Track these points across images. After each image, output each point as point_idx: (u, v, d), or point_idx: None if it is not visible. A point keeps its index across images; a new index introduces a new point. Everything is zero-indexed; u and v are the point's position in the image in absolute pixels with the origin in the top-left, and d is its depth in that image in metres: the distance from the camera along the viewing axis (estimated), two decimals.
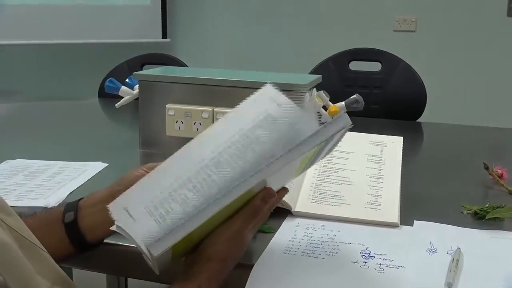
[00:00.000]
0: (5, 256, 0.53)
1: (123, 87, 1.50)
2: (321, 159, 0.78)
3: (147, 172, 0.70)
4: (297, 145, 0.64)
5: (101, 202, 0.72)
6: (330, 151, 0.76)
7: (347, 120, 0.66)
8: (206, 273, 0.65)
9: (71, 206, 0.76)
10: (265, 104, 0.69)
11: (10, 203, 0.67)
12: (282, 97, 0.70)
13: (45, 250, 0.67)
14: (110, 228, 0.65)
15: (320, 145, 0.66)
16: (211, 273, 0.65)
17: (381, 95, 1.90)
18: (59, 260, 0.71)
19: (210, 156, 0.66)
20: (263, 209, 0.67)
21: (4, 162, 1.13)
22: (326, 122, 0.66)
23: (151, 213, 0.64)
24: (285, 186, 0.74)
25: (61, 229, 0.74)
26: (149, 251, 0.59)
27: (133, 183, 0.68)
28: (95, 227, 0.74)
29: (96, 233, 0.75)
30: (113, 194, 0.69)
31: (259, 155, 0.65)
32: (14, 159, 1.15)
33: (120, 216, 0.65)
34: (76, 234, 0.74)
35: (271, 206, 0.72)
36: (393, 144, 1.04)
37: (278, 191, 0.72)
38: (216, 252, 0.65)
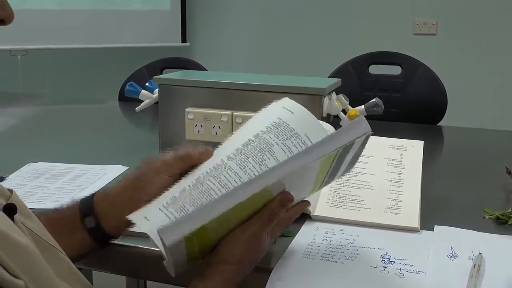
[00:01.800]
0: (25, 259, 0.53)
1: (143, 91, 1.51)
2: (343, 174, 0.77)
3: (169, 177, 0.70)
4: (313, 146, 0.64)
5: (118, 195, 0.72)
6: (352, 164, 0.75)
7: (367, 127, 0.66)
8: (219, 275, 0.64)
9: (88, 208, 0.73)
10: (279, 111, 0.71)
11: (32, 206, 0.68)
12: (297, 105, 0.71)
13: (64, 253, 0.67)
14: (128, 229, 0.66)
15: (338, 152, 0.66)
16: (225, 275, 0.64)
17: (401, 99, 1.89)
18: (78, 258, 0.72)
19: (226, 156, 0.68)
20: (279, 213, 0.67)
21: (26, 165, 1.15)
22: (344, 127, 0.65)
23: (163, 208, 0.65)
24: (307, 198, 0.74)
25: (81, 230, 0.73)
26: (161, 239, 0.59)
27: (155, 188, 0.68)
28: (116, 223, 0.72)
29: (120, 228, 0.73)
30: (132, 189, 0.70)
31: (274, 156, 0.66)
32: (36, 162, 1.17)
33: (140, 222, 0.65)
34: (100, 236, 0.73)
35: (291, 215, 0.72)
36: (414, 148, 1.03)
37: (299, 203, 0.72)
38: (230, 254, 0.65)
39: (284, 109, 0.72)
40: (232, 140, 0.71)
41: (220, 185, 0.66)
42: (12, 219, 0.59)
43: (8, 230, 0.52)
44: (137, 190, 0.70)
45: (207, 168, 0.68)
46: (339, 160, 0.69)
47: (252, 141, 0.69)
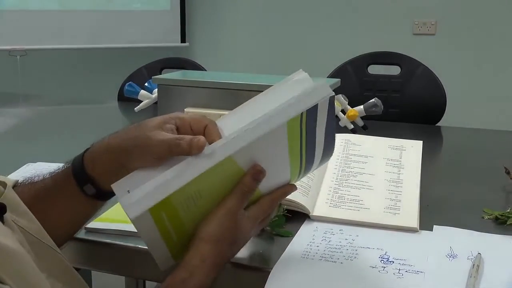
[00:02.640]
0: (13, 264, 0.52)
1: (142, 91, 1.51)
2: (324, 159, 0.74)
3: (155, 159, 0.67)
4: (272, 111, 0.63)
5: (107, 164, 0.70)
6: (330, 146, 0.72)
7: (327, 90, 0.64)
8: (198, 257, 0.62)
9: (83, 177, 0.71)
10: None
11: None
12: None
13: (59, 251, 0.67)
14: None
15: (303, 120, 0.64)
16: (204, 256, 0.62)
17: (400, 99, 1.89)
18: (85, 221, 0.74)
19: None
20: (252, 186, 0.65)
21: (25, 165, 1.15)
22: (303, 91, 0.64)
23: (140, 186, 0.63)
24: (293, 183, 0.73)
25: (82, 197, 0.71)
26: (126, 213, 0.59)
27: (141, 164, 0.66)
28: (112, 178, 0.69)
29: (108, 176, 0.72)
30: (118, 161, 0.68)
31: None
32: (35, 162, 1.17)
33: (121, 194, 0.65)
34: (103, 195, 0.72)
35: (274, 197, 0.70)
36: (413, 148, 1.03)
37: (284, 186, 0.71)
38: (206, 232, 0.63)
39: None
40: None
41: None
42: (2, 218, 0.58)
43: None
44: (125, 161, 0.68)
45: None
46: (309, 134, 0.67)
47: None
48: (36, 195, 0.72)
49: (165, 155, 0.65)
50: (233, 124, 0.67)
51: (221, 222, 0.64)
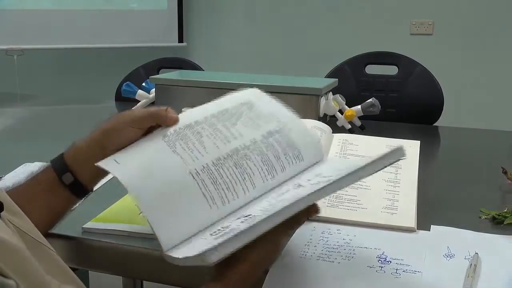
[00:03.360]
0: (15, 259, 0.53)
1: (140, 91, 1.51)
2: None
3: (138, 130, 0.74)
4: (355, 170, 0.66)
5: (88, 148, 0.76)
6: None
7: (402, 153, 0.69)
8: (238, 275, 0.64)
9: (62, 166, 0.76)
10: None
11: None
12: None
13: (53, 250, 0.67)
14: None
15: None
16: (244, 275, 0.65)
17: (398, 99, 1.89)
18: (59, 217, 0.78)
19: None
20: (304, 222, 0.70)
21: (22, 165, 1.14)
22: (384, 154, 0.68)
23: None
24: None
25: (60, 188, 0.76)
26: (203, 259, 0.58)
27: (124, 139, 0.73)
28: (91, 174, 0.77)
29: (96, 178, 0.79)
30: (100, 139, 0.75)
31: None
32: (32, 162, 1.16)
33: (110, 166, 0.70)
34: (79, 189, 0.77)
35: (309, 212, 0.72)
36: (410, 148, 1.03)
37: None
38: (251, 255, 0.65)
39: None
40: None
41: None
42: None
43: None
44: (106, 141, 0.74)
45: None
46: None
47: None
48: (16, 191, 0.75)
49: (146, 124, 0.74)
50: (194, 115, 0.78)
51: (266, 247, 0.66)
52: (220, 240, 0.58)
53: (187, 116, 0.78)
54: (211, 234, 0.64)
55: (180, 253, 0.62)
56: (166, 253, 0.63)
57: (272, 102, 0.83)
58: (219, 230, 0.64)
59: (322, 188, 0.64)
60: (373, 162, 0.67)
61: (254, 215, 0.64)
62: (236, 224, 0.63)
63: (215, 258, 0.57)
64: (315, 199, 0.65)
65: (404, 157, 0.69)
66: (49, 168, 0.77)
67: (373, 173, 0.68)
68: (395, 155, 0.69)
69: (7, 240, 0.53)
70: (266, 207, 0.66)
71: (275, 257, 0.70)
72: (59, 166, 0.76)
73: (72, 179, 0.76)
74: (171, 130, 0.74)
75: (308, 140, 0.80)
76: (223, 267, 0.65)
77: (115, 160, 0.70)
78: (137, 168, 0.69)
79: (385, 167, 0.69)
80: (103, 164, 0.70)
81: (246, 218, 0.64)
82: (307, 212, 0.68)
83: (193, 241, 0.64)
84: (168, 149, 0.71)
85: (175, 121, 0.75)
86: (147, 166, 0.70)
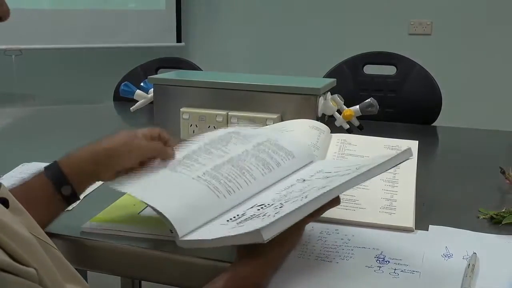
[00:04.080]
0: (34, 250, 0.54)
1: (138, 91, 1.51)
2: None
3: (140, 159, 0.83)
4: (368, 171, 0.71)
5: (89, 166, 0.81)
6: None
7: (410, 153, 0.76)
8: (271, 253, 0.69)
9: (61, 179, 0.79)
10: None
11: None
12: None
13: (55, 247, 0.67)
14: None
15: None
16: (274, 255, 0.70)
17: (396, 99, 1.89)
18: (49, 223, 0.80)
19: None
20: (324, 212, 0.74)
21: (20, 165, 1.14)
22: (397, 154, 0.74)
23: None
24: None
25: (57, 199, 0.79)
26: (258, 235, 0.62)
27: (124, 165, 0.81)
28: (86, 186, 0.83)
29: (85, 189, 0.83)
30: (104, 163, 0.81)
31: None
32: (30, 162, 1.16)
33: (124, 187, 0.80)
34: (74, 199, 0.81)
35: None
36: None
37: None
38: (279, 237, 0.66)
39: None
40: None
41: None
42: None
43: (10, 222, 0.53)
44: (107, 161, 0.81)
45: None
46: None
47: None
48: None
49: (150, 157, 0.84)
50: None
51: (292, 230, 0.67)
52: (272, 219, 0.62)
53: (185, 149, 0.88)
54: (228, 221, 0.70)
55: (196, 236, 0.68)
56: (182, 238, 0.68)
57: (256, 129, 0.95)
58: (237, 216, 0.70)
59: (361, 174, 0.71)
60: (388, 161, 0.73)
61: (304, 196, 0.69)
62: (253, 212, 0.70)
63: (270, 234, 0.61)
64: (346, 188, 0.71)
65: (411, 157, 0.75)
66: (41, 176, 0.79)
67: (382, 172, 0.74)
68: (404, 155, 0.75)
69: (21, 232, 0.54)
70: (323, 184, 0.72)
71: (297, 240, 0.75)
72: (57, 177, 0.79)
73: (70, 192, 0.79)
74: (174, 161, 0.84)
75: (297, 144, 0.89)
76: (254, 246, 0.66)
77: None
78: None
79: (392, 167, 0.75)
80: (116, 187, 0.81)
81: (261, 206, 0.71)
82: (331, 202, 0.71)
83: (209, 226, 0.70)
84: (170, 172, 0.82)
85: (172, 157, 0.85)
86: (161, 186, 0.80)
